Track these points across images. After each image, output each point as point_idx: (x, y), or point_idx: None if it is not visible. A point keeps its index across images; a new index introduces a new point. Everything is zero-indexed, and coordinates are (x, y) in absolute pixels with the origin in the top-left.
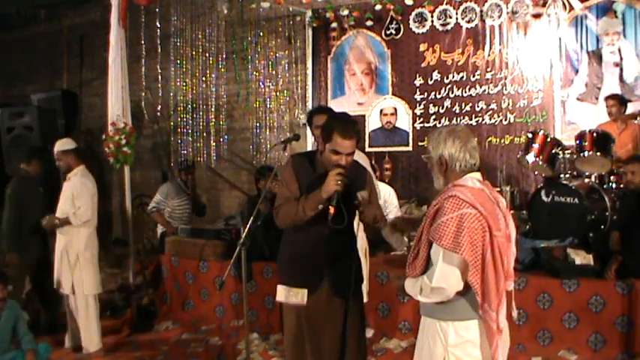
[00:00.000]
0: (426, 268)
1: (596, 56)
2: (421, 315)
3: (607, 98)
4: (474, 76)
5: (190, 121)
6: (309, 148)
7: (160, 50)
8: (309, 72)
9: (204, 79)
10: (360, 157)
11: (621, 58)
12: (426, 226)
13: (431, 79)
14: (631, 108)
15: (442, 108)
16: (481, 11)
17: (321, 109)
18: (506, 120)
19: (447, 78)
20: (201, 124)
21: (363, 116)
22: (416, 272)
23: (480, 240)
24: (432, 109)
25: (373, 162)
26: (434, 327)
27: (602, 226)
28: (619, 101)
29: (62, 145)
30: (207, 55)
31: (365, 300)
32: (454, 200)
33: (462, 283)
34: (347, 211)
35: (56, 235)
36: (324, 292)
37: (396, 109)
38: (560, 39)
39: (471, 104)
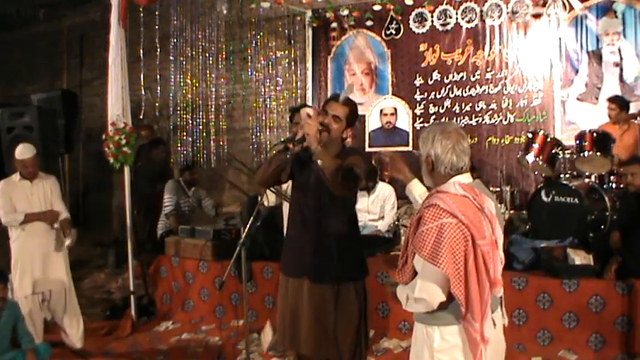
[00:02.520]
0: (414, 275)
1: (596, 56)
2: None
3: (608, 100)
4: (474, 76)
5: (190, 121)
6: None
7: (159, 50)
8: (309, 72)
9: (204, 79)
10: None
11: (621, 58)
12: (411, 234)
13: (431, 79)
14: (632, 108)
15: (442, 108)
16: (481, 11)
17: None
18: (506, 120)
19: (447, 78)
20: (201, 124)
21: (363, 116)
22: (405, 279)
23: (461, 250)
24: (432, 109)
25: (373, 161)
26: (422, 332)
27: (602, 226)
28: (619, 105)
29: (31, 150)
30: (207, 55)
31: None
32: (434, 209)
33: (445, 294)
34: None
35: (14, 236)
36: (308, 278)
37: (396, 109)
38: (560, 39)
39: (471, 104)
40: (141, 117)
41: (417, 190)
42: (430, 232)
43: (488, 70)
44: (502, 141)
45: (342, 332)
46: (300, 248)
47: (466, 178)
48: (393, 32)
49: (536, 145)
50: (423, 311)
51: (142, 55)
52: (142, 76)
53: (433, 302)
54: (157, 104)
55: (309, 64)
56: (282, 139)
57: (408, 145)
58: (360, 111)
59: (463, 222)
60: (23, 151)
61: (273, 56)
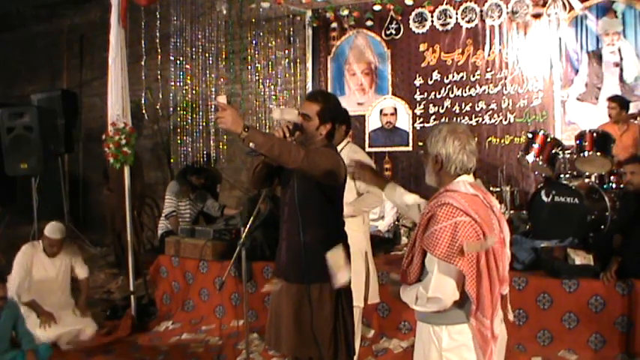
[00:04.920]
0: (420, 275)
1: (596, 56)
2: (416, 320)
3: (609, 99)
4: (473, 76)
5: (190, 121)
6: None
7: (160, 50)
8: (309, 72)
9: (204, 79)
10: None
11: (621, 58)
12: (420, 233)
13: (431, 79)
14: (632, 109)
15: (442, 108)
16: (481, 11)
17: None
18: (506, 120)
19: (447, 78)
20: (201, 124)
21: (363, 116)
22: (410, 279)
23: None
24: (432, 109)
25: (373, 160)
26: (427, 331)
27: (602, 226)
28: (620, 104)
29: (61, 231)
30: (207, 55)
31: (376, 301)
32: (447, 208)
33: (459, 292)
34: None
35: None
36: (284, 277)
37: (396, 109)
38: (560, 39)
39: (471, 104)
40: (146, 117)
41: (404, 194)
42: (444, 231)
43: (488, 70)
44: (502, 141)
45: (319, 332)
46: (280, 247)
47: (471, 178)
48: (393, 32)
49: (536, 145)
50: (435, 310)
51: (142, 55)
52: (143, 75)
53: (448, 301)
54: (158, 105)
55: (309, 64)
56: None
57: (407, 145)
58: (360, 111)
59: (476, 220)
60: (53, 231)
61: (273, 56)
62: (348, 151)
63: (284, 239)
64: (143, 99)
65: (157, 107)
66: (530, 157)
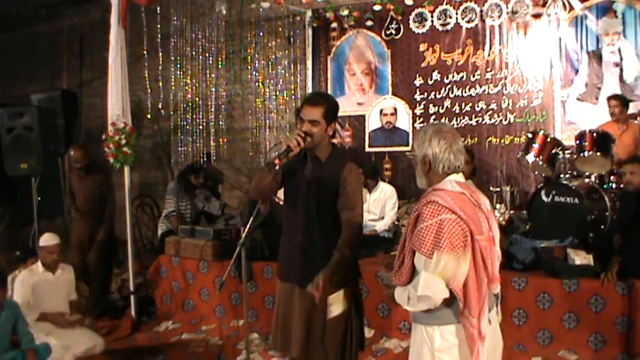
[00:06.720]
0: (412, 275)
1: (596, 56)
2: (411, 321)
3: (610, 99)
4: (473, 76)
5: (190, 121)
6: None
7: (160, 50)
8: (309, 72)
9: (204, 79)
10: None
11: (621, 58)
12: (408, 233)
13: (431, 79)
14: (631, 108)
15: (442, 108)
16: (481, 11)
17: None
18: (506, 120)
19: (447, 78)
20: (201, 124)
21: (363, 116)
22: (402, 280)
23: (460, 245)
24: (432, 109)
25: (373, 160)
26: (420, 332)
27: (602, 226)
28: (622, 102)
29: (55, 237)
30: (207, 55)
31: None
32: (433, 206)
33: (448, 290)
34: (319, 199)
35: None
36: (297, 284)
37: (396, 109)
38: (560, 39)
39: (471, 104)
40: (149, 117)
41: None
42: (430, 229)
43: (488, 70)
44: (502, 141)
45: (329, 337)
46: (290, 254)
47: (460, 177)
48: (393, 32)
49: (536, 145)
50: (426, 309)
51: (145, 55)
52: (142, 76)
53: (437, 299)
54: (157, 104)
55: (309, 64)
56: (276, 154)
57: (407, 145)
58: (360, 111)
59: (462, 218)
60: (48, 239)
61: (273, 56)
62: None
63: (297, 247)
64: (149, 98)
65: (158, 107)
66: (530, 157)
